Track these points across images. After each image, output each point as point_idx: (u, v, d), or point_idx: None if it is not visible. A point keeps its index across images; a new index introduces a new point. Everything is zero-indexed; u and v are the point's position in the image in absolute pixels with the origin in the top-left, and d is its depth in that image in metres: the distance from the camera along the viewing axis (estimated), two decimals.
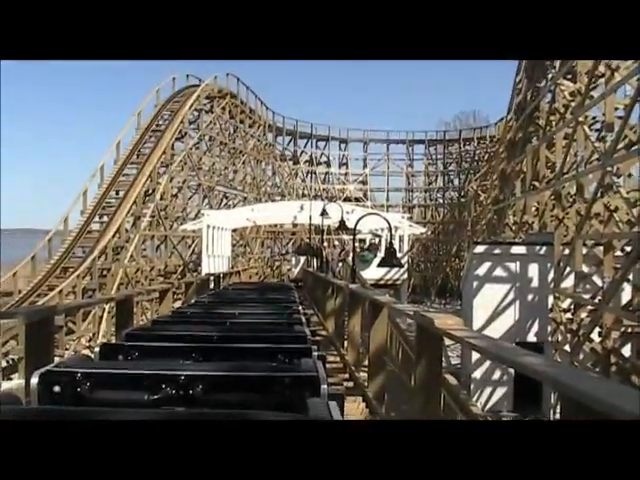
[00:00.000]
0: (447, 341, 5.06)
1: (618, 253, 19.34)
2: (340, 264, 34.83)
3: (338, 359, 12.01)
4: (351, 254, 25.38)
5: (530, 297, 23.50)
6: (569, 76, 25.45)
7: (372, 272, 32.32)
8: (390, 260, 15.36)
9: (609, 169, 18.91)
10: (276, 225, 57.06)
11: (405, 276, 37.46)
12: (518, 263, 23.65)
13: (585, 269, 20.93)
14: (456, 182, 70.42)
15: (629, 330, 18.06)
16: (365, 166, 73.33)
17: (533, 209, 29.52)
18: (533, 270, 23.56)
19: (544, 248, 23.48)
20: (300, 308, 9.04)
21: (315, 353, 4.34)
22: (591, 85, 21.83)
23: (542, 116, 29.18)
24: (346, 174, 72.58)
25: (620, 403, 2.22)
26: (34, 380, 3.29)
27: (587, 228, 20.73)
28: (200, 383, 3.35)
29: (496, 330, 21.53)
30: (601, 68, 20.63)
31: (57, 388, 3.31)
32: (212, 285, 21.51)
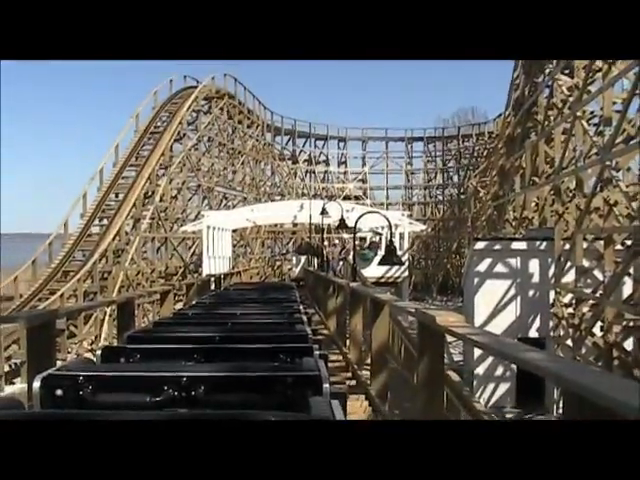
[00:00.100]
0: (449, 338, 5.06)
1: (618, 247, 19.34)
2: (341, 263, 34.85)
3: (340, 358, 12.01)
4: (351, 253, 25.38)
5: (531, 292, 23.51)
6: (566, 71, 25.46)
7: (373, 270, 32.34)
8: (391, 258, 15.37)
9: (608, 163, 18.92)
10: (276, 225, 57.08)
11: (406, 274, 37.46)
12: (519, 259, 23.66)
13: (586, 263, 20.95)
14: (455, 179, 70.43)
15: (631, 324, 18.07)
16: (364, 164, 73.34)
17: (533, 204, 29.54)
18: (534, 265, 23.57)
19: (544, 243, 23.49)
20: (301, 307, 9.02)
21: (317, 352, 4.34)
22: (588, 80, 21.83)
23: (540, 111, 29.17)
24: (345, 173, 72.59)
25: (623, 397, 2.22)
26: (36, 384, 3.29)
27: (587, 222, 20.74)
28: (202, 384, 3.35)
29: (498, 326, 21.54)
30: (598, 63, 20.62)
31: (59, 392, 3.31)
32: (213, 286, 21.53)
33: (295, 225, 54.73)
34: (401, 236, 38.60)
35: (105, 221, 39.30)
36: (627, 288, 18.67)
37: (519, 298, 23.45)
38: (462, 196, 65.49)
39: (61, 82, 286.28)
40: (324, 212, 27.83)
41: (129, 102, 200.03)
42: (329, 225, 38.69)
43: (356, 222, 19.11)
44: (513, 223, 32.61)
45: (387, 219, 18.72)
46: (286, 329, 6.12)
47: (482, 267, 23.92)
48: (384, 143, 73.40)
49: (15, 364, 26.05)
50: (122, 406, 3.15)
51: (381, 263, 17.58)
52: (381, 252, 29.27)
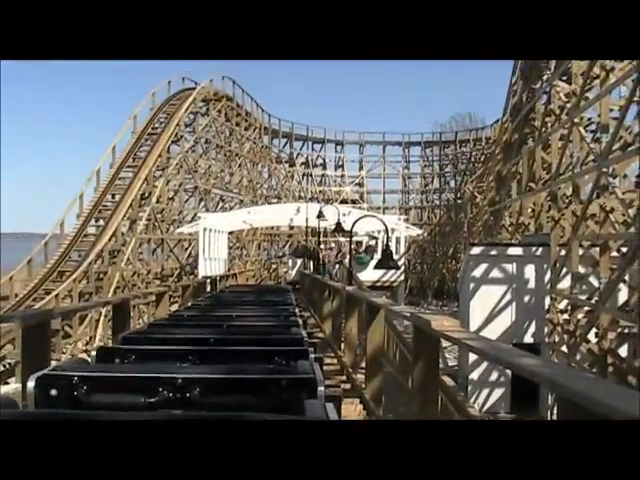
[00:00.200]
0: (444, 343, 5.06)
1: (614, 254, 19.37)
2: (337, 266, 34.81)
3: (335, 361, 12.01)
4: (348, 256, 25.39)
5: (527, 298, 23.51)
6: (564, 77, 25.49)
7: (369, 274, 32.33)
8: (387, 262, 15.36)
9: (605, 170, 18.93)
10: (272, 227, 57.02)
11: (402, 278, 37.44)
12: (515, 264, 23.66)
13: (581, 270, 20.95)
14: (452, 184, 70.49)
15: (626, 331, 18.08)
16: (361, 168, 73.38)
17: (529, 210, 29.54)
18: (530, 271, 23.57)
19: (540, 249, 23.49)
20: (297, 310, 9.02)
21: (312, 355, 4.34)
22: (586, 86, 21.85)
23: (538, 117, 29.20)
24: (342, 176, 72.64)
25: (617, 404, 2.23)
26: (31, 384, 3.29)
27: (583, 229, 20.75)
28: (197, 386, 3.35)
29: (493, 331, 21.53)
30: (596, 69, 20.65)
31: (54, 392, 3.31)
32: (209, 288, 21.51)
33: (291, 228, 54.74)
34: (397, 240, 38.58)
35: (101, 222, 39.25)
36: (622, 295, 18.67)
37: (514, 304, 23.45)
38: (459, 201, 65.49)
39: (61, 82, 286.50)
40: (321, 215, 27.81)
41: (129, 102, 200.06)
42: (325, 228, 38.68)
43: (352, 226, 19.09)
44: (509, 229, 32.61)
45: (384, 223, 18.72)
46: (282, 332, 6.12)
47: (478, 272, 23.91)
48: (381, 147, 73.49)
49: (9, 364, 26.00)
50: (116, 407, 3.15)
51: (377, 267, 17.56)
52: (377, 256, 29.28)
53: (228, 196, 55.92)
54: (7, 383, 23.78)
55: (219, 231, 38.95)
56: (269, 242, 61.48)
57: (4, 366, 25.95)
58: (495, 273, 23.71)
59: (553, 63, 26.34)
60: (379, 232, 36.19)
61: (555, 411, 18.03)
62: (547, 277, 23.04)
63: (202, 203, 50.58)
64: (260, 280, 52.74)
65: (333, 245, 47.78)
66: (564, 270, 21.76)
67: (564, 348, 21.17)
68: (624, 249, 18.77)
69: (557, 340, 22.00)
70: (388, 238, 17.29)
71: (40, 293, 32.51)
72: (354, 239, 31.95)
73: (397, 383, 9.73)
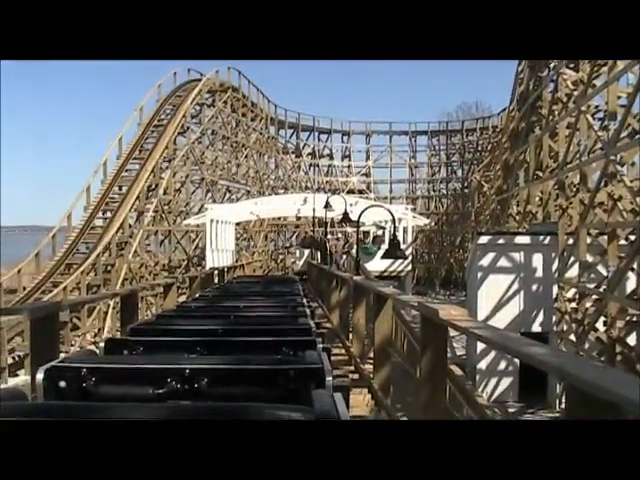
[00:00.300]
0: (452, 332, 5.06)
1: (622, 242, 19.31)
2: (344, 256, 34.80)
3: (343, 351, 12.02)
4: (355, 246, 25.38)
5: (535, 287, 23.47)
6: (571, 65, 25.37)
7: (376, 264, 32.34)
8: (394, 252, 15.35)
9: (612, 158, 18.87)
10: (280, 218, 57.01)
11: (409, 268, 37.39)
12: (522, 253, 23.62)
13: (589, 258, 20.91)
14: (459, 173, 70.34)
15: (634, 319, 18.05)
16: (368, 158, 73.30)
17: (537, 199, 29.46)
18: (537, 260, 23.53)
19: (548, 238, 23.45)
20: (304, 301, 9.03)
21: (320, 345, 4.34)
22: (593, 74, 21.77)
23: (545, 105, 29.10)
24: (349, 166, 72.57)
25: (625, 392, 2.22)
26: (39, 376, 3.30)
27: (591, 217, 20.70)
28: (205, 376, 3.35)
29: (501, 320, 21.53)
30: None
31: (62, 383, 3.31)
32: (216, 279, 21.54)
33: (298, 219, 54.71)
34: (405, 230, 38.54)
35: (109, 214, 39.31)
36: (631, 283, 18.62)
37: (522, 292, 23.42)
38: (466, 190, 65.37)
39: (61, 78, 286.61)
40: (328, 206, 27.80)
41: (130, 97, 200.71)
42: (332, 219, 38.69)
43: (359, 216, 19.11)
44: (517, 217, 32.53)
45: (391, 213, 18.71)
46: (289, 322, 6.12)
47: (485, 261, 23.89)
48: (388, 137, 73.34)
49: (18, 356, 26.14)
50: (125, 398, 3.15)
51: (384, 257, 17.57)
52: (384, 246, 29.27)
53: (235, 187, 55.91)
54: (16, 375, 23.93)
55: (226, 222, 38.97)
56: (276, 233, 61.50)
57: (13, 358, 26.08)
58: (503, 262, 23.69)
59: None
60: (386, 222, 36.17)
61: (563, 400, 18.04)
62: (555, 266, 23.00)
63: (209, 194, 50.61)
64: (267, 271, 52.77)
65: (340, 235, 47.83)
66: (572, 259, 21.70)
67: (572, 337, 21.16)
68: (632, 237, 18.71)
69: (565, 329, 21.97)
70: (395, 228, 17.28)
71: (48, 286, 32.61)
72: (361, 229, 31.96)
73: (405, 373, 9.75)
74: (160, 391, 3.29)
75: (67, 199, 38.96)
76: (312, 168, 71.33)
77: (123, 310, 9.49)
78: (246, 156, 58.96)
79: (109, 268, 36.22)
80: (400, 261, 32.17)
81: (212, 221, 36.63)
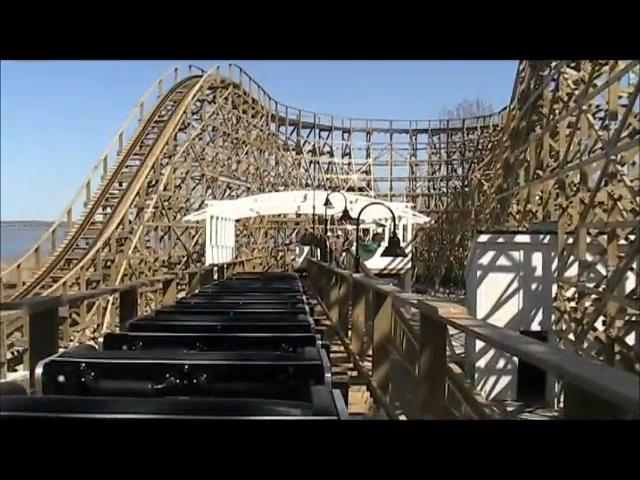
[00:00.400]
0: (451, 330, 5.06)
1: (622, 242, 19.31)
2: (344, 254, 34.83)
3: (342, 349, 12.02)
4: (355, 244, 25.39)
5: (534, 286, 23.49)
6: (572, 64, 25.36)
7: (376, 262, 32.39)
8: (394, 249, 15.38)
9: (613, 157, 18.87)
10: (280, 215, 56.97)
11: (409, 265, 37.44)
12: (522, 252, 23.63)
13: (589, 258, 20.91)
14: (459, 171, 70.28)
15: (633, 319, 18.06)
16: (368, 156, 73.27)
17: (537, 198, 29.46)
18: (537, 259, 23.54)
19: (548, 237, 23.45)
20: (304, 297, 9.02)
21: (319, 342, 4.34)
22: (595, 73, 21.76)
23: (546, 105, 29.09)
24: (349, 164, 72.54)
25: (624, 391, 2.22)
26: (38, 370, 3.30)
27: (591, 217, 20.69)
28: (204, 372, 3.35)
29: (500, 319, 21.52)
30: None
31: (61, 378, 3.32)
32: (216, 275, 21.54)
33: (298, 216, 54.65)
34: (404, 228, 38.58)
35: (109, 209, 39.30)
36: (630, 283, 18.63)
37: (522, 291, 23.44)
38: (466, 189, 65.32)
39: (61, 73, 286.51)
40: (328, 203, 27.80)
41: (131, 92, 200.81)
42: (332, 216, 38.72)
43: (359, 213, 19.11)
44: (517, 216, 32.53)
45: (391, 211, 18.72)
46: (289, 319, 6.12)
47: (485, 260, 23.90)
48: (388, 135, 73.29)
49: (18, 351, 26.13)
50: (124, 393, 3.15)
51: (384, 254, 17.61)
52: (384, 244, 29.29)
53: (235, 184, 55.92)
54: (15, 370, 23.92)
55: (226, 219, 39.00)
56: (276, 230, 61.46)
57: (12, 353, 26.07)
58: (502, 261, 23.69)
59: None
60: (386, 220, 36.18)
61: (562, 398, 18.06)
62: (554, 265, 23.01)
63: (209, 191, 50.61)
64: (267, 268, 52.76)
65: (340, 233, 47.87)
66: (571, 258, 21.71)
67: (571, 336, 21.17)
68: (632, 237, 18.71)
69: (564, 328, 21.98)
70: (395, 226, 17.29)
71: (48, 281, 32.61)
72: (361, 227, 31.98)
73: (404, 370, 9.75)
74: (159, 386, 3.30)
75: (67, 195, 38.90)
76: (312, 165, 71.34)
77: (122, 306, 9.48)
78: (246, 153, 58.94)
79: (109, 264, 36.21)
80: (400, 259, 32.23)
81: (212, 217, 36.66)
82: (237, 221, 44.87)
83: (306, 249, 41.39)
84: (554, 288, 22.80)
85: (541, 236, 23.81)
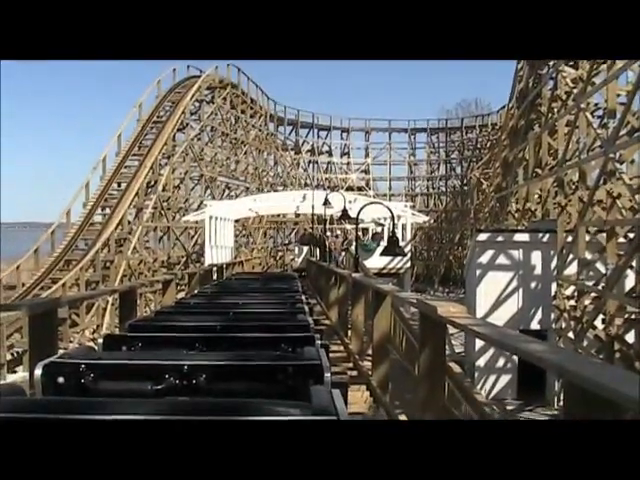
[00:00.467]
0: (451, 329, 5.06)
1: (621, 240, 19.32)
2: (343, 253, 34.84)
3: (342, 348, 12.02)
4: (354, 243, 25.39)
5: (533, 284, 23.49)
6: (571, 63, 25.35)
7: (375, 261, 32.38)
8: (393, 249, 15.37)
9: (612, 156, 18.86)
10: (279, 215, 56.95)
11: (408, 265, 37.46)
12: (521, 251, 23.63)
13: (588, 256, 20.91)
14: (458, 170, 70.32)
15: (632, 317, 18.06)
16: (367, 155, 73.33)
17: (536, 196, 29.47)
18: (536, 257, 23.54)
19: (547, 235, 23.45)
20: (303, 297, 9.02)
21: (318, 342, 4.34)
22: (593, 72, 21.77)
23: (544, 103, 29.09)
24: (348, 163, 72.58)
25: (624, 389, 2.22)
26: (38, 371, 3.29)
27: (590, 215, 20.69)
28: (203, 372, 3.35)
29: (500, 318, 21.52)
30: None
31: (61, 379, 3.31)
32: (215, 276, 21.53)
33: (297, 215, 54.65)
34: (403, 227, 38.59)
35: (108, 210, 39.27)
36: (629, 281, 18.63)
37: (521, 290, 23.44)
38: (465, 188, 65.31)
39: (61, 72, 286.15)
40: (327, 203, 27.81)
41: (130, 92, 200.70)
42: (332, 216, 38.72)
43: (358, 213, 19.10)
44: (516, 215, 32.53)
45: (390, 210, 18.71)
46: (288, 319, 6.12)
47: (484, 259, 23.89)
48: (387, 134, 73.34)
49: (17, 352, 26.12)
50: (123, 394, 3.15)
51: (383, 254, 17.62)
52: (383, 243, 29.29)
53: (234, 184, 55.90)
54: (15, 372, 23.92)
55: (225, 219, 38.99)
56: (275, 230, 61.45)
57: (12, 355, 26.06)
58: (502, 259, 23.69)
59: None
60: (385, 219, 36.20)
61: (562, 397, 18.06)
62: (554, 263, 23.01)
63: (208, 191, 50.59)
64: (266, 268, 52.74)
65: (339, 232, 47.88)
66: (571, 256, 21.71)
67: (571, 334, 21.16)
68: (631, 235, 18.72)
69: (564, 326, 21.98)
70: (394, 225, 17.29)
71: (47, 282, 32.58)
72: (360, 226, 31.95)
73: (404, 370, 9.75)
74: (159, 387, 3.29)
75: (67, 195, 38.90)
76: (311, 165, 71.36)
77: (122, 306, 9.48)
78: (245, 153, 58.93)
79: (108, 264, 36.18)
80: (399, 258, 32.25)
81: (211, 218, 36.64)
82: (236, 221, 44.86)
83: (305, 249, 41.42)
84: (553, 286, 22.80)
85: (540, 234, 23.82)
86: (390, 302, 8.75)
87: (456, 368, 6.68)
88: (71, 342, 28.31)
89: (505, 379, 22.73)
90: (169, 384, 3.31)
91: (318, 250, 33.52)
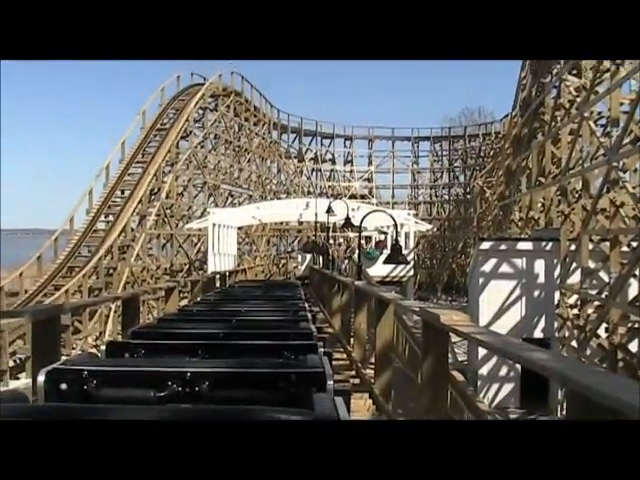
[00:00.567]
0: (454, 337, 5.05)
1: (624, 248, 19.30)
2: (346, 261, 34.82)
3: (345, 356, 12.01)
4: (357, 251, 25.39)
5: (536, 293, 23.45)
6: (574, 71, 25.38)
7: (378, 269, 32.34)
8: (396, 257, 15.39)
9: (615, 164, 18.86)
10: (282, 223, 56.97)
11: (411, 273, 37.43)
12: (524, 259, 23.61)
13: (591, 265, 20.88)
14: (461, 178, 70.32)
15: (636, 325, 18.03)
16: (370, 163, 73.33)
17: (539, 205, 29.46)
18: (539, 266, 23.51)
19: (550, 244, 23.43)
20: (306, 305, 9.02)
21: (321, 349, 4.33)
22: (596, 80, 21.77)
23: (547, 112, 29.11)
24: (351, 171, 72.58)
25: (627, 398, 2.21)
26: (41, 378, 3.29)
27: (593, 224, 20.68)
28: (206, 380, 3.35)
29: (503, 326, 21.47)
30: (606, 63, 20.55)
31: (64, 386, 3.31)
32: (218, 283, 21.53)
33: (301, 223, 54.66)
34: (407, 235, 38.58)
35: (111, 217, 39.33)
36: (633, 290, 18.60)
37: (524, 298, 23.40)
38: (468, 196, 65.35)
39: (61, 73, 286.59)
40: (330, 210, 27.81)
41: (131, 93, 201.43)
42: (335, 224, 38.69)
43: (362, 221, 19.12)
44: (519, 223, 32.53)
45: (393, 218, 18.72)
46: (291, 326, 6.11)
47: (487, 267, 23.87)
48: (390, 142, 73.38)
49: (20, 359, 26.12)
50: (126, 401, 3.15)
51: (386, 262, 17.60)
52: (386, 251, 29.29)
53: (237, 191, 55.91)
54: (17, 378, 23.91)
55: (228, 226, 39.02)
56: (278, 237, 61.43)
57: (15, 361, 26.06)
58: (505, 268, 23.67)
59: None
60: (388, 227, 36.17)
61: (565, 406, 18.01)
62: (557, 272, 22.98)
63: (211, 198, 50.62)
64: (269, 275, 52.72)
65: (342, 240, 47.87)
66: (574, 265, 21.69)
67: (574, 343, 21.13)
68: (634, 244, 18.70)
69: (567, 335, 21.94)
70: (397, 233, 17.30)
71: (50, 289, 32.63)
72: (363, 234, 31.95)
73: (406, 378, 9.73)
74: (161, 394, 3.29)
75: (68, 196, 38.97)
76: (314, 173, 71.39)
77: (124, 313, 9.48)
78: (248, 160, 58.97)
79: (111, 271, 36.22)
80: (402, 266, 32.20)
81: (214, 225, 36.69)
82: (239, 229, 44.88)
83: (308, 257, 41.36)
84: (556, 295, 22.77)
85: (543, 243, 23.80)
86: (393, 310, 8.74)
87: (459, 376, 6.65)
88: (74, 349, 28.31)
89: (508, 387, 22.68)
90: (172, 391, 3.31)
91: (321, 258, 33.50)
